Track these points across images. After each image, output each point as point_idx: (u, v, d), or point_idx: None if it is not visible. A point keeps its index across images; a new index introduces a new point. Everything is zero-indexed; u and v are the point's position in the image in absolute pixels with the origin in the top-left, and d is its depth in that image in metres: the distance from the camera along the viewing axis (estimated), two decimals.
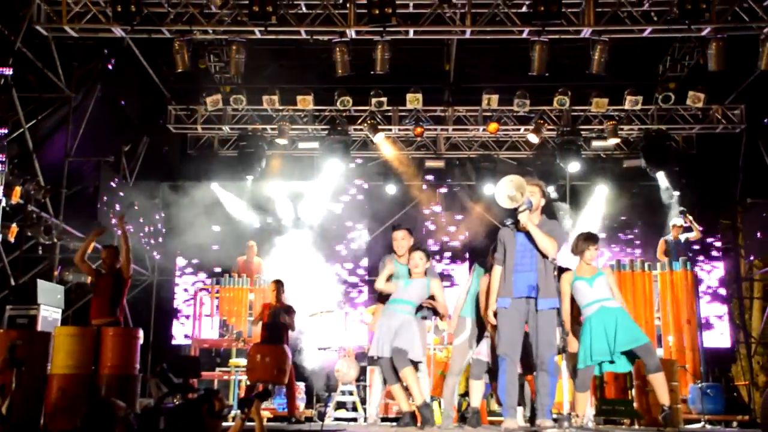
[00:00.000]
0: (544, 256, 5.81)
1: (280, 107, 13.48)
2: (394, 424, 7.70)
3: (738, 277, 13.52)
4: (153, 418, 3.74)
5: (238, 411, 4.77)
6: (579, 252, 6.75)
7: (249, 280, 12.41)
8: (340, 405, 10.16)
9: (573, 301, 6.70)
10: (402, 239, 7.22)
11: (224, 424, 4.38)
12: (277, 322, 9.11)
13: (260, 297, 12.08)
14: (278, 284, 9.58)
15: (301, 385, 10.92)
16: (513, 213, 6.01)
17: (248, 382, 9.77)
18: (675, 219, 12.52)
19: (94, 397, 6.44)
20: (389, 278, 6.93)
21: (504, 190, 5.81)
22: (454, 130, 14.12)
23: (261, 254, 13.27)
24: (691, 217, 12.23)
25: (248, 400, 4.69)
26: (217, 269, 13.80)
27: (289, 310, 9.43)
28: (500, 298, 5.83)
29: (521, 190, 5.78)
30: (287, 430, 7.65)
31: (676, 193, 14.12)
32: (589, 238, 6.78)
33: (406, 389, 6.74)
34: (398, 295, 6.82)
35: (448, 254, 15.07)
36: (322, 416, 9.43)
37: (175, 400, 4.75)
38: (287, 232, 14.32)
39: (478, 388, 6.69)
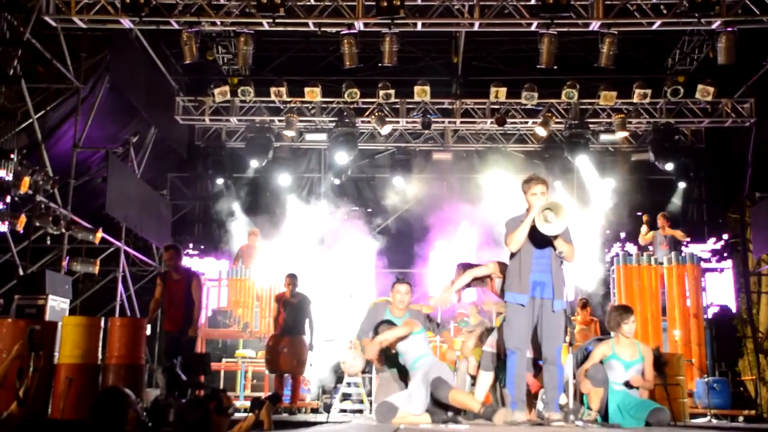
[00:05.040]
0: (558, 257, 5.78)
1: (288, 99, 13.48)
2: None
3: (746, 272, 13.47)
4: (163, 411, 3.77)
5: (249, 413, 4.80)
6: (616, 326, 6.45)
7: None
8: (346, 396, 10.19)
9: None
10: (405, 294, 6.79)
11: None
12: (295, 314, 9.09)
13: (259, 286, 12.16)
14: (292, 278, 9.29)
15: (307, 377, 10.94)
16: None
17: (267, 372, 9.76)
18: (663, 213, 12.48)
19: (105, 386, 6.48)
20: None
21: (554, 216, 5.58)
22: (461, 122, 14.11)
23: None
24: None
25: (260, 402, 4.73)
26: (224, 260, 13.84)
27: (305, 303, 9.24)
28: (517, 294, 5.80)
29: (561, 215, 5.59)
30: (292, 421, 7.67)
31: (682, 185, 14.12)
32: (625, 311, 6.52)
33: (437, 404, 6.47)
34: (410, 357, 6.47)
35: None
36: (328, 408, 9.45)
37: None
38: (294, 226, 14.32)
39: (485, 380, 6.52)
